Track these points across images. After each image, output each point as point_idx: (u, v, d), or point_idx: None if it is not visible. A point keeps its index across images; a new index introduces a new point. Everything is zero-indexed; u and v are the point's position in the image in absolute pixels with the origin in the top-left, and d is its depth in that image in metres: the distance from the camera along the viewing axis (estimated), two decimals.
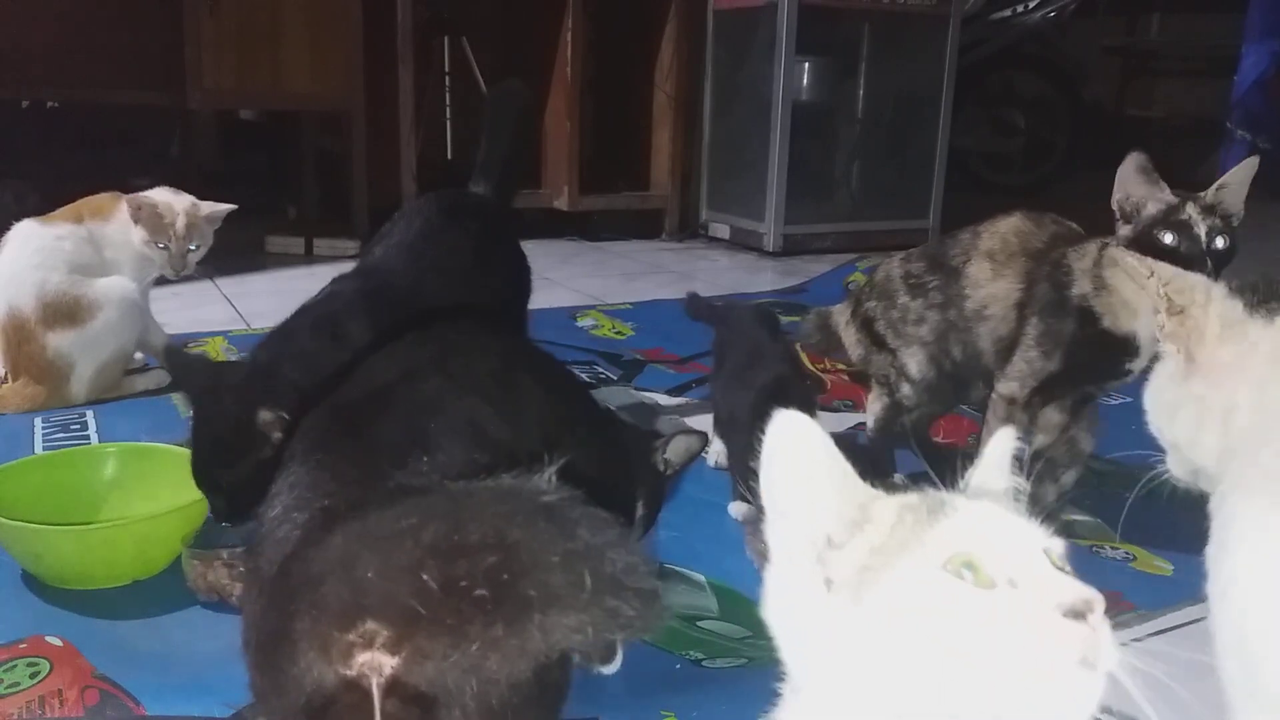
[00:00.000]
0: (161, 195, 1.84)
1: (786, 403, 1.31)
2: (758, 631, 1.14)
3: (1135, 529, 1.45)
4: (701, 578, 1.26)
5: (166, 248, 1.81)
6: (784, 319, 1.99)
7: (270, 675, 0.63)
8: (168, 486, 1.13)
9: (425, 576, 0.55)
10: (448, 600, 0.55)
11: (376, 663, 0.56)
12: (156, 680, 1.03)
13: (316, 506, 0.69)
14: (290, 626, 0.58)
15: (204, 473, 1.10)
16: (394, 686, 0.56)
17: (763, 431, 1.29)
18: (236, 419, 1.08)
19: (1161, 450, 1.05)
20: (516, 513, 0.59)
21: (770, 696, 1.02)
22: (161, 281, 1.90)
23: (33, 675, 1.03)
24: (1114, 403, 2.01)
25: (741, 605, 1.21)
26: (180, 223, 1.82)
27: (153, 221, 1.81)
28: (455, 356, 0.88)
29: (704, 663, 1.09)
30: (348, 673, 0.57)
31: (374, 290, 1.31)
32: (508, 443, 0.78)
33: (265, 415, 1.07)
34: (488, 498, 0.62)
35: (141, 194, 1.83)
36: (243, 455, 1.08)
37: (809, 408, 1.36)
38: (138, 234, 1.80)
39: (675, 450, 1.07)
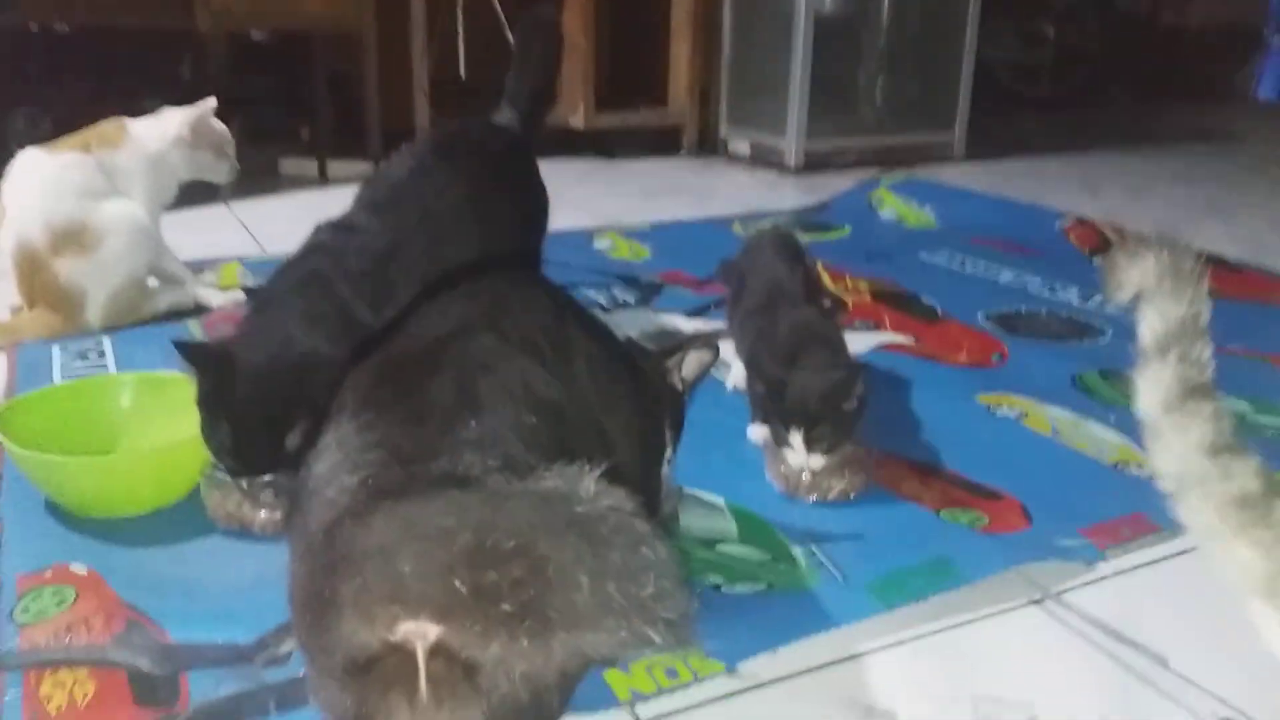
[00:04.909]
0: (180, 116, 1.83)
1: (810, 354, 1.30)
2: (777, 555, 1.15)
3: None
4: (720, 501, 1.26)
5: (229, 158, 1.88)
6: (805, 237, 1.97)
7: (316, 634, 0.64)
8: (186, 415, 1.13)
9: (457, 582, 0.57)
10: (477, 606, 0.57)
11: (421, 630, 0.57)
12: (181, 607, 1.04)
13: (362, 476, 0.68)
14: (336, 593, 0.60)
15: (262, 441, 1.10)
16: (438, 649, 0.57)
17: (789, 381, 1.28)
18: (303, 377, 1.09)
19: None
20: (550, 526, 0.60)
21: (788, 625, 1.03)
22: (171, 207, 1.89)
23: (59, 603, 1.05)
24: None
25: (761, 529, 1.21)
26: (218, 124, 1.87)
27: (211, 137, 1.84)
28: (507, 312, 0.87)
29: (723, 588, 1.09)
30: (392, 638, 0.57)
31: (360, 247, 1.29)
32: (557, 403, 0.77)
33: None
34: (524, 506, 0.62)
35: (170, 120, 1.83)
36: (312, 414, 1.08)
37: (833, 355, 1.34)
38: (202, 156, 1.84)
39: (689, 367, 1.07)
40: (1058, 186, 3.26)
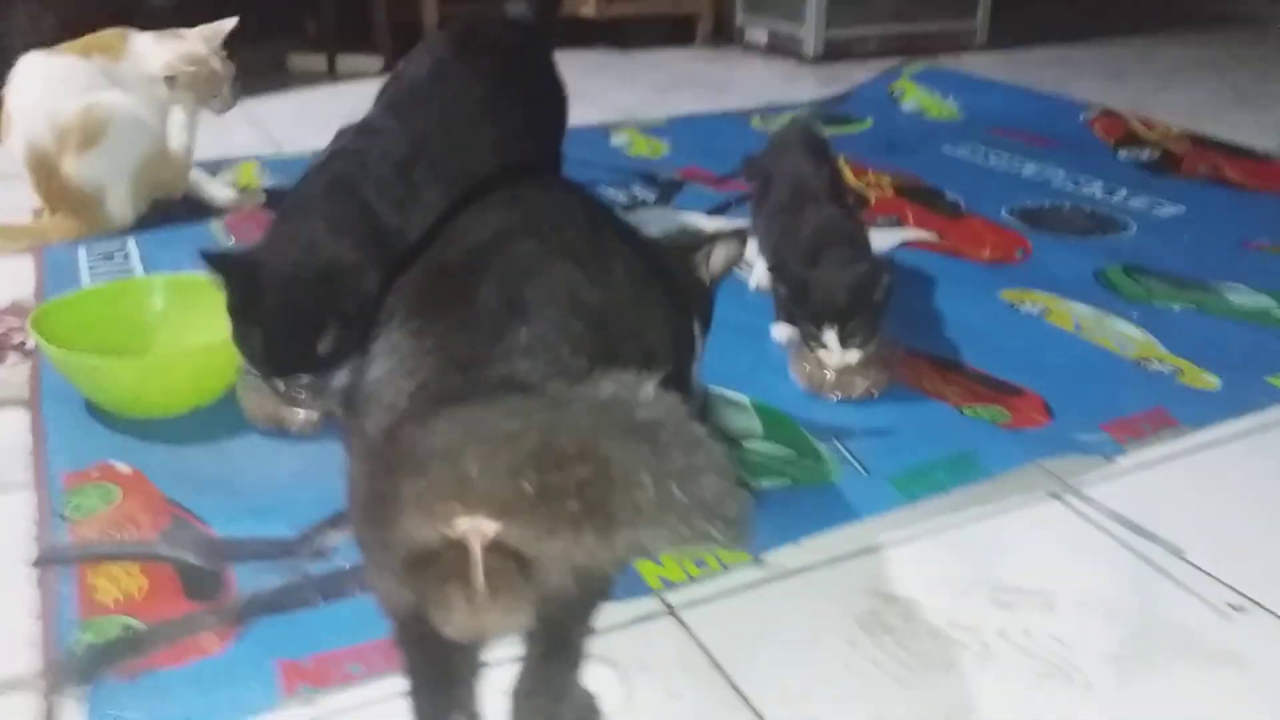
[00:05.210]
0: (173, 48, 1.79)
1: (833, 253, 1.29)
2: (802, 451, 1.18)
3: (1184, 342, 1.44)
4: (745, 399, 1.28)
5: (222, 96, 1.84)
6: (825, 130, 1.93)
7: (376, 531, 0.66)
8: (219, 318, 1.14)
9: (524, 483, 0.58)
10: (542, 506, 0.58)
11: (480, 526, 0.59)
12: (224, 504, 1.07)
13: (420, 381, 0.70)
14: (397, 492, 0.61)
15: (294, 347, 1.11)
16: (495, 545, 0.59)
17: (814, 280, 1.29)
18: (332, 283, 1.10)
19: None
20: (612, 429, 0.61)
21: (812, 517, 1.05)
22: None
23: (105, 500, 1.08)
24: (1170, 213, 1.96)
25: (785, 426, 1.23)
26: (216, 63, 1.81)
27: (199, 82, 1.80)
28: (544, 218, 0.86)
29: (750, 484, 1.11)
30: (450, 533, 0.59)
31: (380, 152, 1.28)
32: (599, 308, 0.78)
33: (369, 278, 1.09)
34: (584, 410, 0.63)
35: (170, 50, 1.79)
36: (341, 320, 1.10)
37: (857, 252, 1.33)
38: (190, 98, 1.81)
39: (716, 261, 1.07)
40: (1082, 75, 3.18)
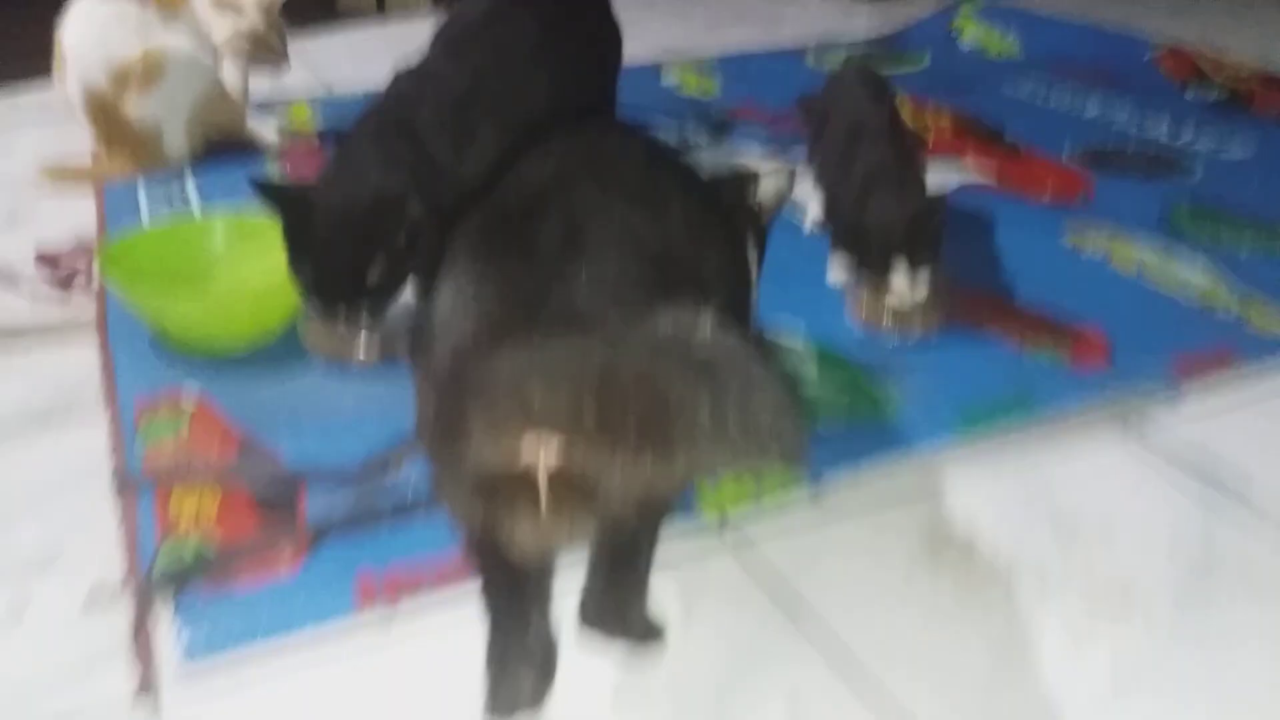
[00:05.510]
0: (231, 24, 1.82)
1: (889, 189, 1.28)
2: (859, 394, 1.17)
3: (1252, 285, 1.41)
4: (800, 343, 1.27)
5: (276, 60, 1.89)
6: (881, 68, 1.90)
7: (445, 457, 0.69)
8: (277, 256, 1.16)
9: (585, 413, 0.60)
10: (603, 434, 0.61)
11: (543, 452, 0.61)
12: (291, 434, 1.10)
13: (484, 319, 0.72)
14: (464, 421, 0.63)
15: (344, 277, 1.13)
16: (558, 469, 0.61)
17: (872, 217, 1.28)
18: (380, 214, 1.12)
19: None
20: (671, 366, 0.63)
21: (869, 450, 1.06)
22: None
23: (175, 427, 1.11)
24: (1239, 154, 1.91)
25: (842, 369, 1.22)
26: (273, 39, 1.86)
27: (255, 44, 1.84)
28: (603, 160, 0.88)
29: (808, 416, 1.12)
30: (516, 458, 0.61)
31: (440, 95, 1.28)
32: (658, 248, 0.79)
33: (413, 206, 1.11)
34: (644, 347, 0.65)
35: (219, 32, 1.82)
36: (389, 250, 1.11)
37: (913, 190, 1.31)
38: (240, 61, 1.85)
39: (765, 193, 1.06)
40: (1149, 11, 3.07)
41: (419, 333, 0.81)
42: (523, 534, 0.65)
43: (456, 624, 0.83)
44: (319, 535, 0.96)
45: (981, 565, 0.93)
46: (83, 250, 1.53)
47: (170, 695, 0.81)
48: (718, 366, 0.64)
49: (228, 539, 0.95)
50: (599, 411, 0.60)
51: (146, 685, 0.81)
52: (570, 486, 0.62)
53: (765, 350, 1.22)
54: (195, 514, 0.98)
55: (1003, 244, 1.54)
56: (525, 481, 0.62)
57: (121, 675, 0.82)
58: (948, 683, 0.82)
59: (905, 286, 1.25)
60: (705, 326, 0.66)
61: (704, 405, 0.61)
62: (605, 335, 0.67)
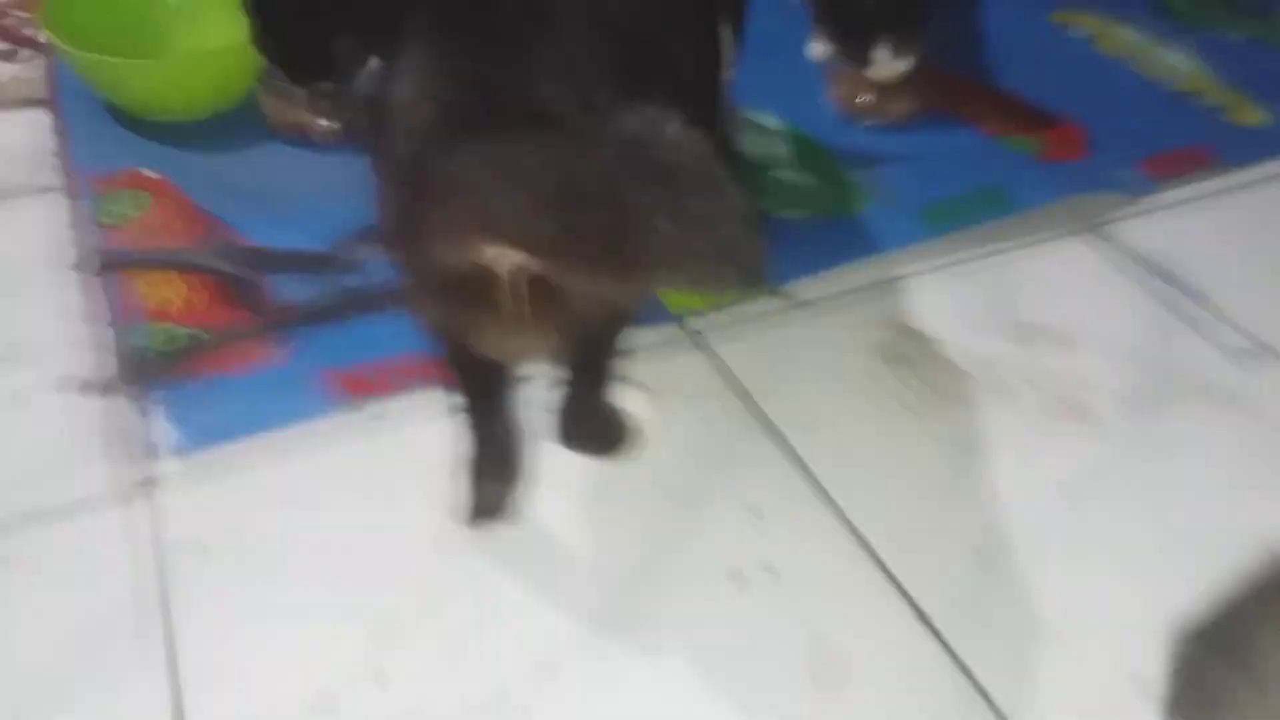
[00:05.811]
0: None
1: None
2: (830, 181, 1.16)
3: (1238, 73, 1.37)
4: (776, 123, 1.24)
5: None
6: None
7: (407, 254, 0.68)
8: (232, 17, 1.09)
9: (545, 221, 0.59)
10: (562, 244, 0.59)
11: (507, 255, 0.60)
12: (254, 213, 1.08)
13: (443, 103, 0.68)
14: (426, 219, 0.62)
15: (302, 60, 1.08)
16: (523, 273, 0.60)
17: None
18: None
19: None
20: (633, 172, 0.60)
21: (836, 249, 1.05)
22: None
23: (137, 207, 1.09)
24: None
25: (816, 153, 1.20)
26: None
27: None
28: None
29: (773, 213, 1.11)
30: (478, 260, 0.60)
31: None
32: (627, 23, 0.74)
33: None
34: (609, 153, 0.62)
35: None
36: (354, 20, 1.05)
37: None
38: None
39: None
40: None
41: (374, 107, 0.78)
42: (488, 336, 0.66)
43: (422, 421, 0.85)
44: (290, 323, 0.96)
45: (941, 363, 0.96)
46: (25, 3, 1.43)
47: (162, 488, 0.82)
48: (682, 174, 0.62)
49: (198, 325, 0.95)
50: (558, 219, 0.59)
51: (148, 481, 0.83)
52: (533, 289, 0.62)
53: (729, 152, 1.19)
54: (162, 298, 0.98)
55: (987, 20, 1.47)
56: (488, 283, 0.62)
57: (104, 468, 0.83)
58: (903, 491, 0.84)
59: (888, 60, 1.20)
60: (671, 129, 0.64)
61: (665, 223, 0.60)
62: (568, 136, 0.65)
